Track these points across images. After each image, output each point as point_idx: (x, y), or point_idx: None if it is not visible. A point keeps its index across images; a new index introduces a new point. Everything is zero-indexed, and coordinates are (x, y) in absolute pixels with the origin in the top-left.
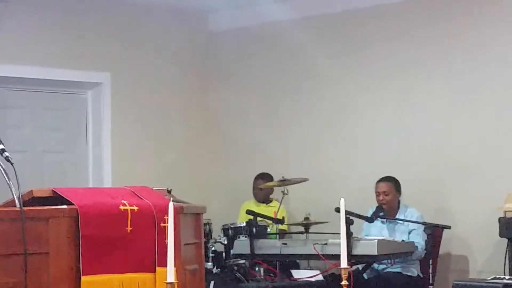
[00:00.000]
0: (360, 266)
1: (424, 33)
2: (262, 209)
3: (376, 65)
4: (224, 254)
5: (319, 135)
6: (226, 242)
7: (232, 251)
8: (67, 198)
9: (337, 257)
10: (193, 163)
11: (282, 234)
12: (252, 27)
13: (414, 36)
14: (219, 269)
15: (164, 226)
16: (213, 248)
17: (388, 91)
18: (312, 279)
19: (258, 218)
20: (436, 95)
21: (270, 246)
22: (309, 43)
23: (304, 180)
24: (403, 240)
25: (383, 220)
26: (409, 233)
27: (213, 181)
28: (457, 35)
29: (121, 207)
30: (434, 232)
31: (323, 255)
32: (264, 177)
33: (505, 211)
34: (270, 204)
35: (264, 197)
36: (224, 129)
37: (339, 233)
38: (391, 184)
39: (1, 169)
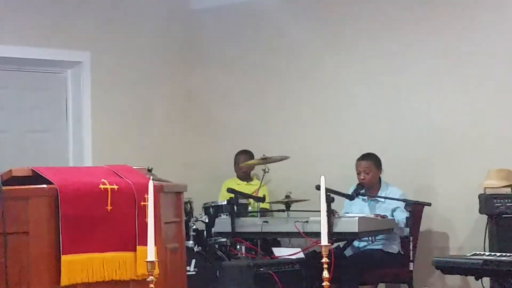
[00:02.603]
0: (341, 244)
1: (411, 12)
2: (243, 187)
3: (360, 44)
4: (205, 232)
5: (301, 113)
6: (207, 221)
7: (213, 230)
8: (46, 178)
9: (318, 234)
10: (175, 142)
11: (263, 212)
12: (235, 5)
13: (400, 15)
14: (200, 248)
15: (145, 205)
16: (194, 227)
17: (371, 71)
18: (293, 257)
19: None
20: (419, 74)
21: (251, 224)
22: (293, 22)
23: (285, 158)
24: (383, 217)
25: (364, 198)
26: (393, 210)
27: (195, 160)
28: (443, 15)
29: (101, 186)
30: (415, 209)
31: (304, 232)
32: (245, 153)
33: (485, 188)
34: (251, 182)
35: (245, 175)
36: (206, 107)
37: (320, 211)
38: (371, 161)
39: None
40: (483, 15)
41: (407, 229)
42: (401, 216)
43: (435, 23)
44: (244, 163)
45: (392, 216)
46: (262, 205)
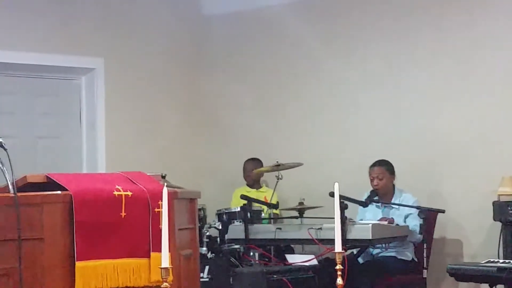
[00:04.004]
0: (354, 251)
1: (415, 15)
2: (253, 194)
3: (368, 48)
4: (218, 239)
5: (313, 119)
6: (220, 227)
7: (226, 236)
8: (61, 184)
9: (331, 241)
10: (188, 148)
11: (276, 219)
12: (244, 12)
13: (405, 18)
14: (213, 254)
15: (158, 211)
16: (207, 233)
17: (381, 74)
18: (307, 264)
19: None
20: (429, 78)
21: (264, 231)
22: (302, 27)
23: (298, 164)
24: (397, 224)
25: (378, 204)
26: (406, 217)
27: (208, 166)
28: (448, 17)
29: (115, 193)
30: (428, 216)
31: (317, 239)
32: (254, 161)
33: (499, 195)
34: (261, 189)
35: (254, 182)
36: (218, 114)
37: (334, 218)
38: (384, 168)
39: None
40: (493, 19)
41: (419, 236)
42: (413, 222)
43: (445, 26)
44: (258, 170)
45: (405, 222)
46: (273, 211)
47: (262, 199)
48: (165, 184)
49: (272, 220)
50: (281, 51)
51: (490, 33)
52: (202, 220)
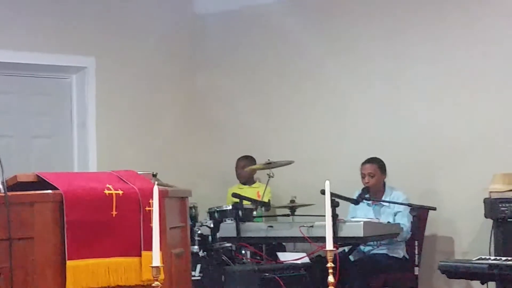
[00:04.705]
0: (346, 248)
1: (413, 14)
2: (245, 190)
3: (363, 47)
4: (210, 237)
5: (306, 117)
6: (212, 226)
7: (218, 235)
8: (51, 183)
9: (323, 239)
10: (180, 147)
11: (268, 217)
12: (238, 10)
13: (403, 18)
14: (205, 253)
15: (149, 210)
16: (199, 232)
17: (375, 73)
18: (298, 262)
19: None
20: (423, 77)
21: (256, 229)
22: (297, 25)
23: (290, 162)
24: (388, 222)
25: (369, 202)
26: (395, 215)
27: (200, 165)
28: (446, 17)
29: (106, 192)
30: (420, 214)
31: (309, 237)
32: (246, 159)
33: (490, 192)
34: (253, 185)
35: (247, 179)
36: (211, 112)
37: (325, 215)
38: (376, 165)
39: None
40: (492, 18)
41: (406, 234)
42: (402, 220)
43: (443, 26)
44: (249, 168)
45: (394, 220)
46: (265, 197)
47: (256, 195)
48: (156, 182)
49: (263, 218)
50: (276, 49)
51: (488, 33)
52: (194, 218)
